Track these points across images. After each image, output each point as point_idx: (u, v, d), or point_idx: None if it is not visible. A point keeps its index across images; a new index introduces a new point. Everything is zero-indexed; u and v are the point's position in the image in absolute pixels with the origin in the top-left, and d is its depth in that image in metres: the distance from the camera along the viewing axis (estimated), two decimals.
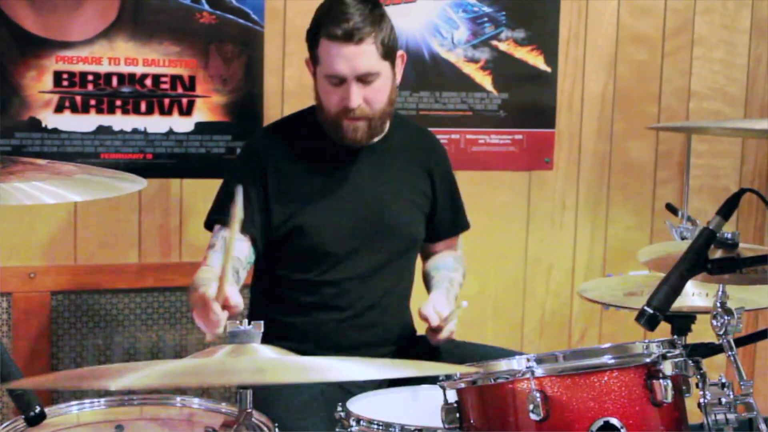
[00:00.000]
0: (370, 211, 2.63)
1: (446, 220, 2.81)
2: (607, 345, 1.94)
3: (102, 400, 2.18)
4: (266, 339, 1.66)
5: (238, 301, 2.16)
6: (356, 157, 2.64)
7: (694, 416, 2.04)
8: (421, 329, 2.79)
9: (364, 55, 2.48)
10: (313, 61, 2.55)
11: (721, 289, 2.21)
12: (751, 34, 3.78)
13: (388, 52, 2.52)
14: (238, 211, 1.88)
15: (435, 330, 2.52)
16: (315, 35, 2.52)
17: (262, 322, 1.65)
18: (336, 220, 2.60)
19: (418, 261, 2.82)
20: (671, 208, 3.01)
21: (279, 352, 1.61)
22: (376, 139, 2.66)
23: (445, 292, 2.68)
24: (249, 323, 1.64)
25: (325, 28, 2.48)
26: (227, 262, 2.06)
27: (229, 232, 1.98)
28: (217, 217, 2.59)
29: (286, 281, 2.61)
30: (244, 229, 2.53)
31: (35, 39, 2.98)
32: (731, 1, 3.75)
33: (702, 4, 3.71)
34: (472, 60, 3.43)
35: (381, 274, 2.65)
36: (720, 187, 3.78)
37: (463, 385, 1.95)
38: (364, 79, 2.49)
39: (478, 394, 1.94)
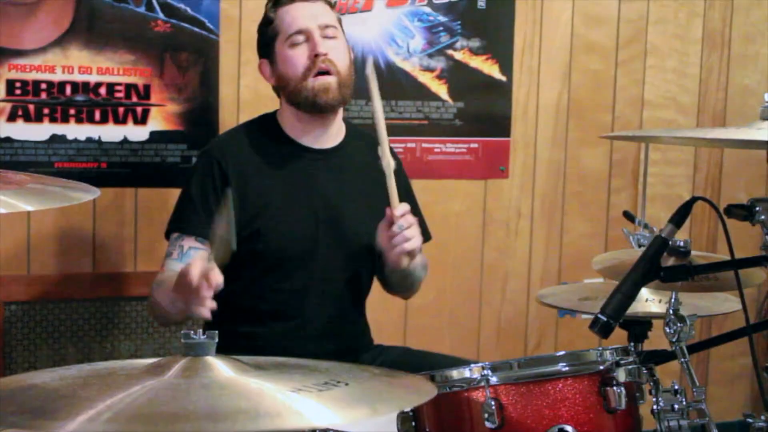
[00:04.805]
0: (328, 217, 2.63)
1: None
2: (561, 353, 1.96)
3: None
4: (222, 350, 1.65)
5: (219, 280, 2.12)
6: (315, 162, 2.64)
7: (647, 423, 2.06)
8: (380, 338, 2.80)
9: (321, 8, 2.62)
10: (271, 37, 2.60)
11: (674, 297, 2.23)
12: (703, 44, 3.83)
13: (336, 15, 2.66)
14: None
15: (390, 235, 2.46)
16: (271, 11, 2.61)
17: (216, 332, 1.64)
18: (294, 225, 2.59)
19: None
20: (629, 216, 3.02)
21: (234, 369, 1.60)
22: (334, 144, 2.66)
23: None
24: (204, 333, 1.63)
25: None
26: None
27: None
28: (177, 225, 2.58)
29: (243, 290, 2.60)
30: (205, 238, 2.52)
31: None
32: (683, 11, 3.79)
33: (655, 15, 3.75)
34: (428, 69, 3.44)
35: (338, 281, 2.65)
36: (673, 195, 3.81)
37: None
38: (325, 33, 2.58)
39: (434, 403, 1.93)
